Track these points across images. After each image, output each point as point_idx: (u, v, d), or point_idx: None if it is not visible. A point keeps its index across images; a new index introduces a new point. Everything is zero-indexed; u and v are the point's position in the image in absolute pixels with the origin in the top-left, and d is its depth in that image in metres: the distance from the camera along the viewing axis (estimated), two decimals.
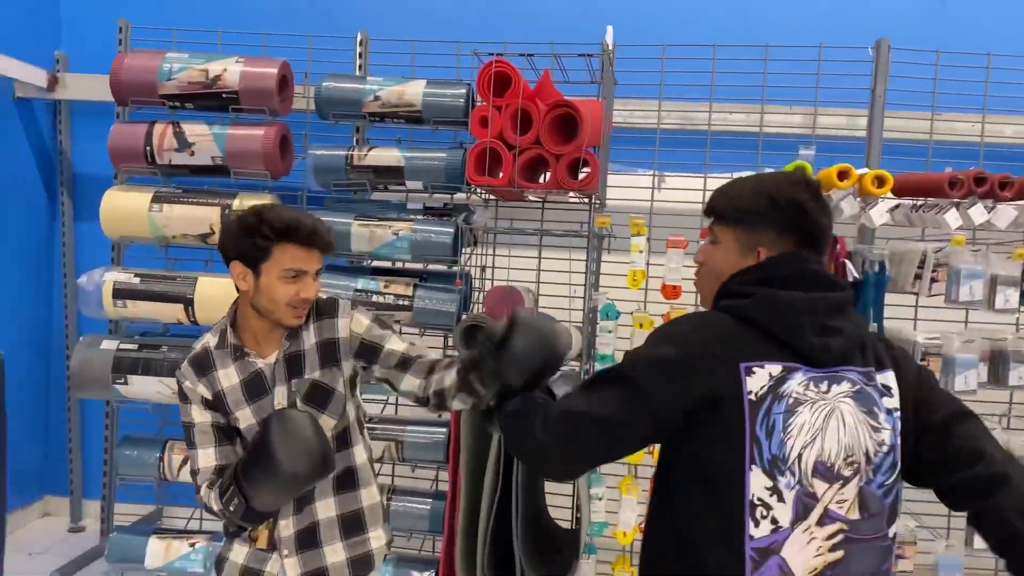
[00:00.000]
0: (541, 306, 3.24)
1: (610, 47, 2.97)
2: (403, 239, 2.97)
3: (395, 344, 1.87)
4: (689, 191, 3.25)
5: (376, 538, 1.93)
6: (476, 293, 3.25)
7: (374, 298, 2.98)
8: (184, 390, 1.81)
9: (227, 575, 1.87)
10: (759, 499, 1.31)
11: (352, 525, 1.89)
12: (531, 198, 3.15)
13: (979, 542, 2.79)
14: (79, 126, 3.96)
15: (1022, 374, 2.78)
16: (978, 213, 2.68)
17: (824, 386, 1.36)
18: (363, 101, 2.99)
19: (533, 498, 3.09)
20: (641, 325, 2.81)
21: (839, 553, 1.33)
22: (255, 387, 1.81)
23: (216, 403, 1.81)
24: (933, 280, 2.76)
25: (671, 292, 2.83)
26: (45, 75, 3.70)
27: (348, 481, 1.88)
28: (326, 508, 1.86)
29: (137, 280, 3.02)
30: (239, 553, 1.87)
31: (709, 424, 1.35)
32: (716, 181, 3.20)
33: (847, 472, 1.34)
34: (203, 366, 1.83)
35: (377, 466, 3.32)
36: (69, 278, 3.90)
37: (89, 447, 3.97)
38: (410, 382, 1.84)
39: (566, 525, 3.22)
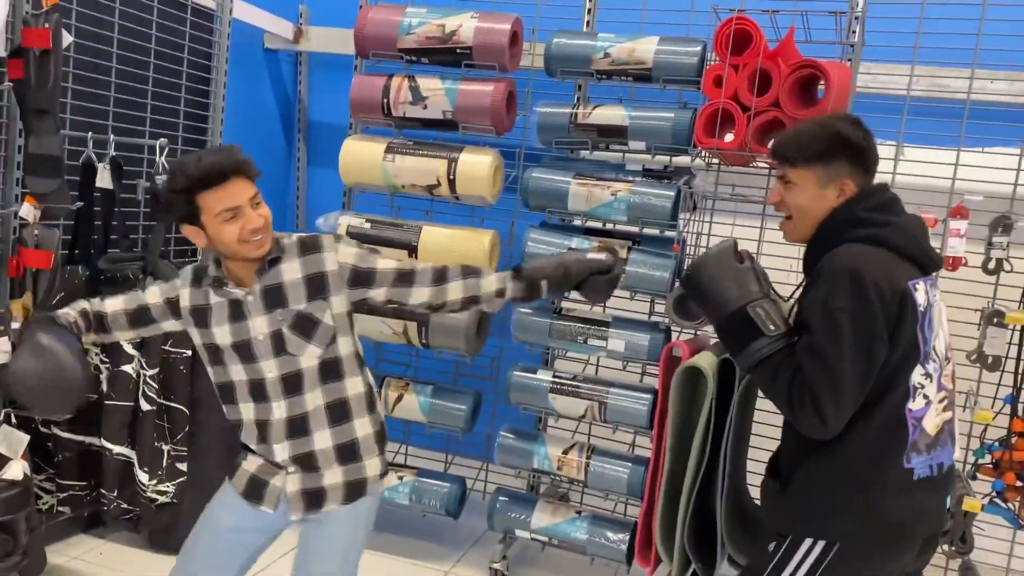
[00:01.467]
0: None
1: (860, 4, 2.75)
2: (621, 200, 2.93)
3: (386, 264, 1.97)
4: (935, 165, 2.97)
5: (371, 466, 2.00)
6: (691, 261, 3.17)
7: None
8: (169, 281, 2.01)
9: (236, 479, 2.01)
10: (918, 383, 1.70)
11: (348, 453, 1.97)
12: (758, 165, 3.01)
13: None
14: (316, 77, 4.23)
15: None
16: None
17: (933, 291, 1.74)
18: (592, 58, 2.96)
19: (736, 475, 3.01)
20: None
21: (948, 414, 1.78)
22: (234, 312, 1.92)
23: (196, 315, 1.95)
24: None
25: None
26: (291, 27, 3.97)
27: (340, 413, 1.95)
28: (322, 439, 1.94)
29: (368, 225, 3.19)
30: (251, 463, 2.00)
31: (898, 336, 1.65)
32: (970, 156, 2.94)
33: (948, 354, 1.80)
34: (200, 280, 1.96)
35: (574, 424, 3.38)
36: (301, 219, 4.21)
37: None
38: (419, 293, 1.97)
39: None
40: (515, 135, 3.30)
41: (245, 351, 1.92)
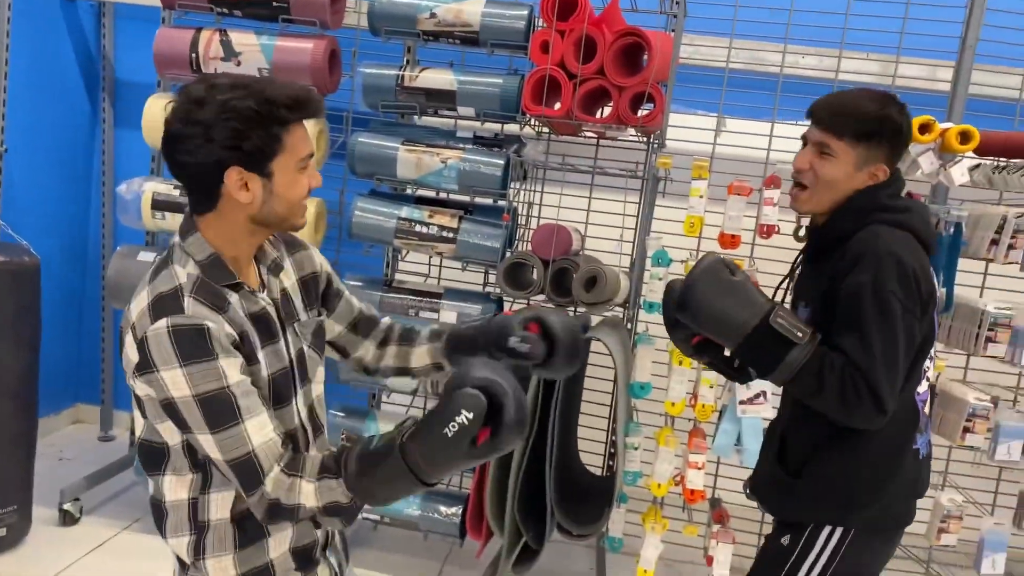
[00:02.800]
0: (589, 248, 3.13)
1: None
2: (451, 168, 2.84)
3: (349, 292, 1.59)
4: (752, 136, 3.08)
5: None
6: (522, 230, 3.14)
7: (418, 228, 2.88)
8: (209, 336, 1.21)
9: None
10: (925, 366, 1.71)
11: None
12: (587, 134, 3.01)
13: None
14: (123, 30, 3.85)
15: None
16: None
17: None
18: (418, 18, 2.83)
19: (568, 443, 3.04)
20: None
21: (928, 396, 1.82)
22: (266, 328, 1.35)
23: (241, 348, 1.28)
24: (1011, 247, 2.60)
25: (729, 241, 2.70)
26: None
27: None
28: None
29: (177, 192, 2.94)
30: (280, 542, 1.37)
31: (925, 322, 1.65)
32: (784, 128, 3.06)
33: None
34: (216, 298, 1.28)
35: (409, 398, 3.30)
36: (108, 186, 3.84)
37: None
38: (366, 348, 1.58)
39: (598, 472, 3.17)
40: (342, 98, 3.13)
41: (282, 385, 1.36)
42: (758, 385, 2.57)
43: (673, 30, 2.82)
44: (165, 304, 1.23)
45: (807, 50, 3.19)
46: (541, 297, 2.86)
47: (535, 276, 2.80)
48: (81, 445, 3.83)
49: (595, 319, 3.04)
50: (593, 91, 2.67)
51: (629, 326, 2.94)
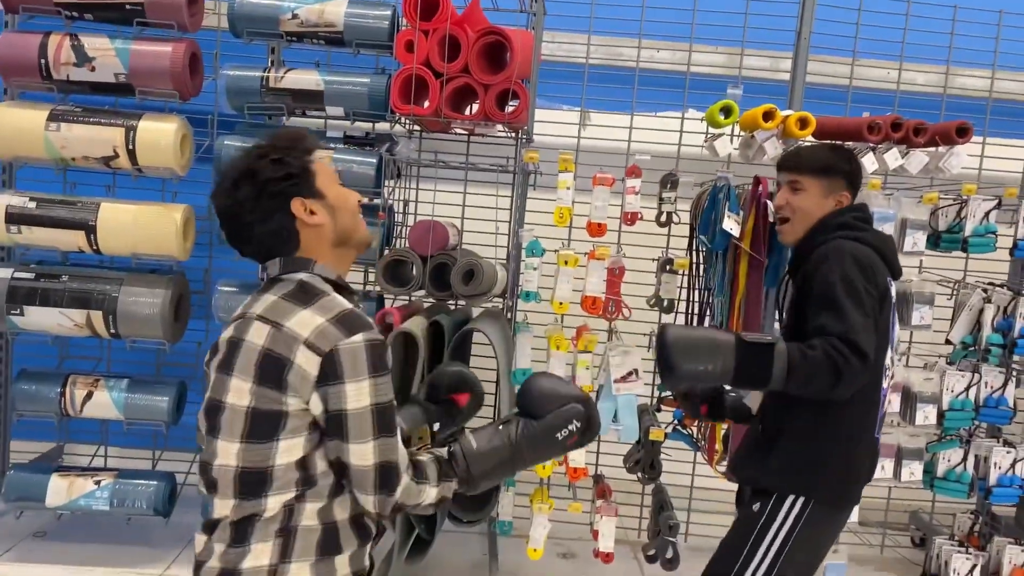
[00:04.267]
0: (465, 242, 3.20)
1: None
2: None
3: None
4: (615, 128, 3.23)
5: None
6: (399, 227, 3.18)
7: None
8: (386, 351, 1.40)
9: None
10: (887, 364, 1.94)
11: None
12: (457, 131, 3.08)
13: (876, 471, 2.97)
14: None
15: (923, 315, 2.91)
16: (893, 158, 2.76)
17: (894, 289, 1.97)
18: (280, 19, 2.82)
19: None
20: (566, 263, 2.80)
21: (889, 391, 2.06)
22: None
23: None
24: None
25: (596, 230, 2.82)
26: None
27: None
28: None
29: (33, 204, 2.81)
30: (358, 556, 1.42)
31: (879, 320, 1.86)
32: (643, 119, 3.23)
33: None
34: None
35: None
36: None
37: None
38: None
39: None
40: (207, 101, 3.07)
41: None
42: (630, 363, 2.71)
43: (534, 28, 2.93)
44: (355, 320, 1.34)
45: (660, 44, 3.36)
46: (421, 293, 2.91)
47: (414, 272, 2.84)
48: None
49: (475, 311, 3.11)
50: (460, 89, 2.74)
51: (508, 316, 3.03)
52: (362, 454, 1.32)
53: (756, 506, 1.94)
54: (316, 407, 1.30)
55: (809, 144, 2.14)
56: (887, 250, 1.98)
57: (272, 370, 1.29)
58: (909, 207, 2.84)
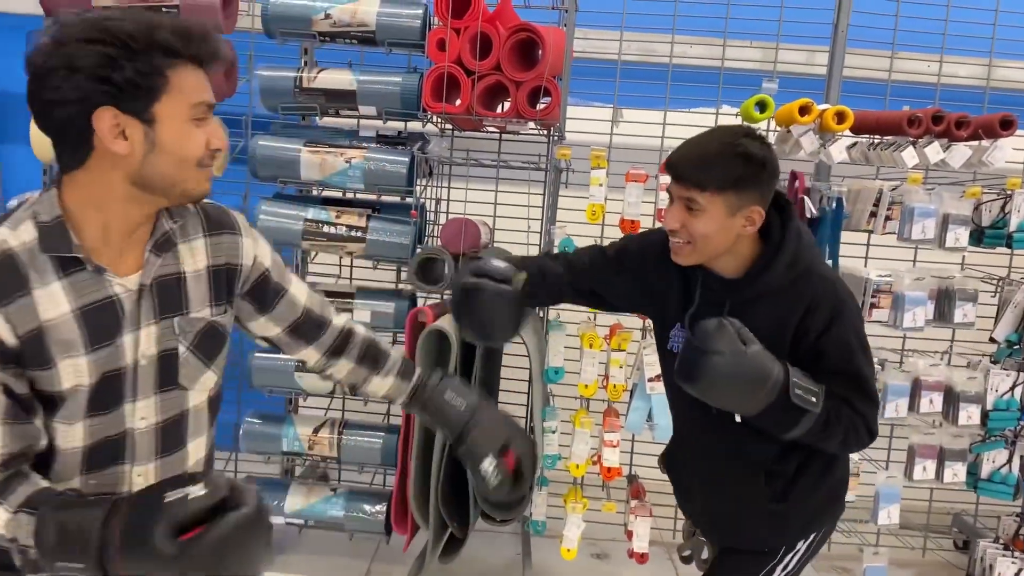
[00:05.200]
0: (497, 240, 3.19)
1: None
2: (356, 167, 2.85)
3: (296, 289, 1.40)
4: (648, 125, 3.20)
5: None
6: (431, 226, 3.18)
7: (325, 228, 2.88)
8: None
9: None
10: None
11: None
12: (488, 129, 3.07)
13: (918, 472, 2.91)
14: (4, 41, 3.69)
15: (966, 312, 2.84)
16: (934, 152, 2.70)
17: None
18: (313, 19, 2.83)
19: None
20: None
21: None
22: (102, 324, 1.14)
23: (25, 348, 1.08)
24: (888, 218, 2.79)
25: (629, 226, 2.80)
26: None
27: (208, 464, 1.38)
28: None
29: None
30: None
31: None
32: (676, 116, 3.20)
33: None
34: (9, 282, 1.08)
35: (327, 400, 3.29)
36: None
37: None
38: (310, 355, 1.45)
39: None
40: (241, 101, 3.10)
41: (107, 391, 1.16)
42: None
43: (565, 25, 2.91)
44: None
45: (693, 40, 3.32)
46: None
47: (446, 271, 2.84)
48: None
49: None
50: (492, 87, 2.73)
51: (540, 314, 3.02)
52: None
53: (766, 548, 1.82)
54: None
55: (705, 139, 1.61)
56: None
57: None
58: (951, 202, 2.78)
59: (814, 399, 1.56)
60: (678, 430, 2.00)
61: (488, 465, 1.39)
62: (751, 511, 1.78)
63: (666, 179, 2.80)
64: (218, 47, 1.14)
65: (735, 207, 1.56)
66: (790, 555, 1.81)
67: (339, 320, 1.48)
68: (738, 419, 1.67)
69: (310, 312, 1.42)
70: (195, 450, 1.31)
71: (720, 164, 1.55)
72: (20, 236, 1.09)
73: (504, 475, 1.39)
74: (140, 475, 1.23)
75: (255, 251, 1.33)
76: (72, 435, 1.16)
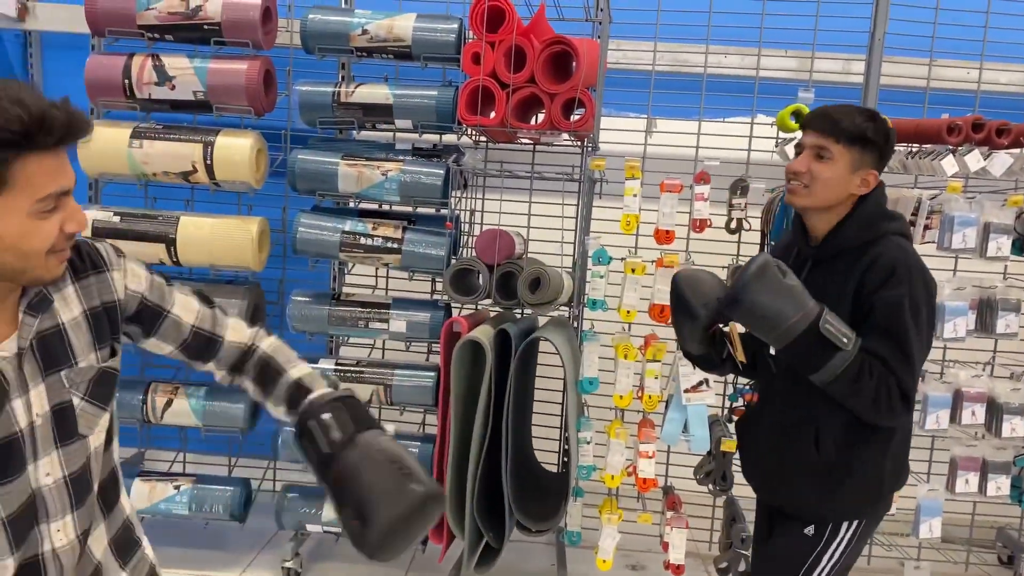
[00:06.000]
0: (531, 251, 3.21)
1: None
2: (392, 180, 2.89)
3: (181, 310, 1.36)
4: (681, 135, 3.20)
5: (147, 546, 1.47)
6: (466, 237, 3.21)
7: (362, 240, 2.92)
8: None
9: None
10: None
11: (125, 545, 1.38)
12: (523, 140, 3.09)
13: (960, 485, 2.86)
14: (51, 59, 3.81)
15: (1009, 322, 2.79)
16: (974, 160, 2.67)
17: None
18: (350, 35, 2.88)
19: (522, 442, 3.10)
20: (633, 271, 2.78)
21: None
22: None
23: None
24: (927, 227, 2.75)
25: (664, 237, 2.80)
26: (14, 3, 3.53)
27: (112, 489, 1.34)
28: (98, 542, 1.31)
29: (117, 219, 2.93)
30: None
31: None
32: (710, 125, 3.19)
33: None
34: None
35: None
36: None
37: None
38: (214, 370, 1.44)
39: (554, 469, 3.24)
40: (280, 116, 3.16)
41: (7, 459, 1.15)
42: (700, 374, 2.67)
43: (599, 36, 2.92)
44: None
45: (728, 50, 3.32)
46: (488, 301, 2.93)
47: (481, 281, 2.86)
48: None
49: (542, 320, 3.12)
50: (526, 99, 2.75)
51: (575, 324, 3.03)
52: None
53: (810, 530, 1.87)
54: None
55: (841, 105, 1.84)
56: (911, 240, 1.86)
57: None
58: (992, 211, 2.74)
59: (845, 340, 1.67)
60: (759, 397, 2.12)
61: (336, 512, 1.23)
62: (799, 470, 1.86)
63: (701, 189, 2.82)
64: (75, 127, 1.07)
65: (857, 164, 1.78)
66: (835, 543, 1.85)
67: (238, 336, 1.43)
68: (798, 381, 1.78)
69: (199, 331, 1.38)
70: (96, 485, 1.29)
71: (854, 119, 1.77)
72: None
73: (349, 530, 1.20)
74: (59, 530, 1.21)
75: (125, 281, 1.29)
76: None
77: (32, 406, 1.16)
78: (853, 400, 1.72)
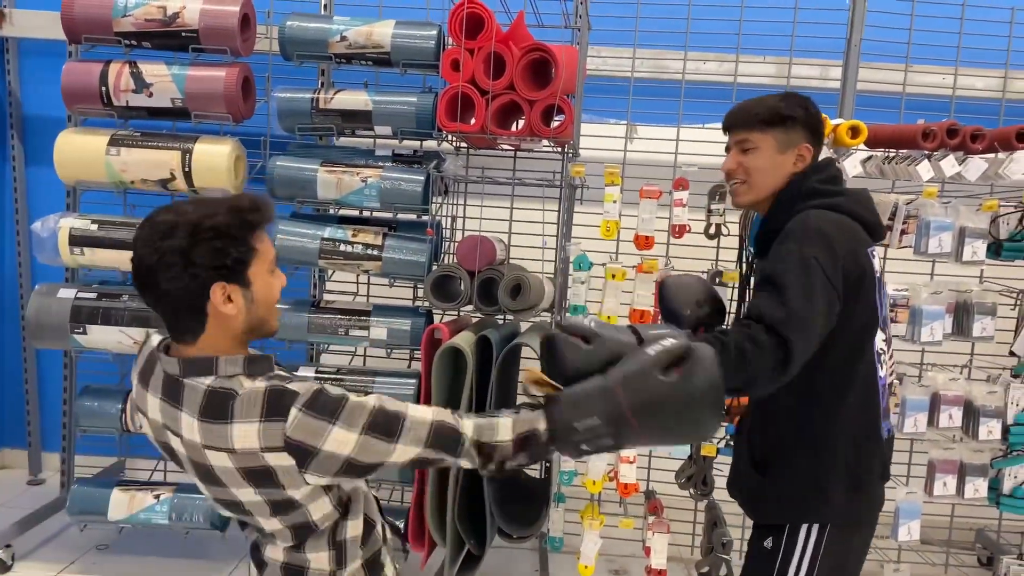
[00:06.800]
0: (513, 257, 3.21)
1: None
2: (372, 187, 2.89)
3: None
4: (661, 141, 3.22)
5: None
6: (447, 243, 3.20)
7: (342, 247, 2.91)
8: (328, 392, 1.36)
9: None
10: (880, 349, 1.76)
11: None
12: (503, 147, 3.10)
13: (938, 488, 2.88)
14: (29, 66, 3.78)
15: (985, 326, 2.82)
16: (949, 165, 2.69)
17: (877, 259, 1.78)
18: (329, 41, 2.88)
19: None
20: (613, 276, 2.79)
21: (891, 377, 1.93)
22: None
23: None
24: (903, 232, 2.78)
25: (644, 243, 2.81)
26: None
27: None
28: None
29: (95, 227, 2.91)
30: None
31: (856, 300, 1.67)
32: (689, 132, 3.21)
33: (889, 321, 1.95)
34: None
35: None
36: (22, 224, 3.75)
37: (47, 398, 3.86)
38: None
39: (535, 475, 3.24)
40: (259, 123, 3.15)
41: None
42: None
43: (578, 43, 2.93)
44: (278, 397, 1.27)
45: (707, 56, 3.34)
46: (469, 308, 2.93)
47: (462, 287, 2.86)
48: (9, 490, 3.72)
49: (523, 325, 3.12)
50: (506, 105, 2.76)
51: (554, 327, 3.02)
52: (401, 453, 1.32)
53: (768, 543, 1.78)
54: (319, 479, 1.31)
55: (753, 98, 1.84)
56: (866, 213, 1.75)
57: (261, 479, 1.29)
58: (968, 215, 2.76)
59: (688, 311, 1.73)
60: None
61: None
62: (740, 477, 1.88)
63: (680, 195, 2.83)
64: (273, 209, 1.40)
65: (784, 143, 1.76)
66: (796, 553, 1.73)
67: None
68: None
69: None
70: None
71: (765, 103, 1.78)
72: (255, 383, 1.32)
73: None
74: None
75: None
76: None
77: None
78: (739, 375, 1.52)
